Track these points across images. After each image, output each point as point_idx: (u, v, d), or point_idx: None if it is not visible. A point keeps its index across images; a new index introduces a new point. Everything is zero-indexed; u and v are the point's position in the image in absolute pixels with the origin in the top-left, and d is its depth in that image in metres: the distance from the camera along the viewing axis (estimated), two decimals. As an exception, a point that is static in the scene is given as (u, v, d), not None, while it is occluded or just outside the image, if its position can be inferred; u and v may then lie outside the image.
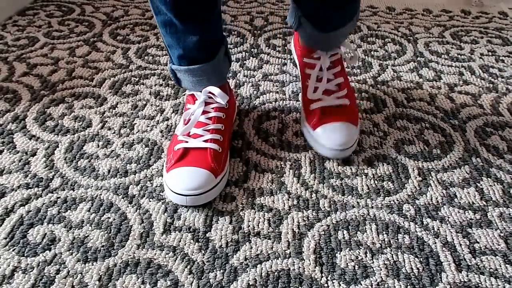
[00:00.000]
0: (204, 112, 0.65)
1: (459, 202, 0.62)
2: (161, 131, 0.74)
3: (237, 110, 0.80)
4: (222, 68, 0.67)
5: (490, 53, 1.03)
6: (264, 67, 0.94)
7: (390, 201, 0.62)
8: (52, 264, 0.51)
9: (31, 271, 0.51)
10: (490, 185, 0.66)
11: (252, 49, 1.02)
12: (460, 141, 0.74)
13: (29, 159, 0.67)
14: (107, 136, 0.72)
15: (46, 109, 0.78)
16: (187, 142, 0.63)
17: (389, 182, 0.65)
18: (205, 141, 0.63)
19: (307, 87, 0.71)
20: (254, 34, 1.09)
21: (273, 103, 0.82)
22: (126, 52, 0.98)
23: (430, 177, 0.66)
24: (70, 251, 0.53)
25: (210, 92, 0.66)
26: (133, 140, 0.72)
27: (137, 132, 0.73)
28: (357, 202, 0.61)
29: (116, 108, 0.79)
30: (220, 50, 0.65)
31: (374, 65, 0.96)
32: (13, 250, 0.53)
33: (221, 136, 0.64)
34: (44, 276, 0.50)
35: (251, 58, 0.98)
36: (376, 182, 0.65)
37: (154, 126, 0.75)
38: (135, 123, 0.76)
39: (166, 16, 0.59)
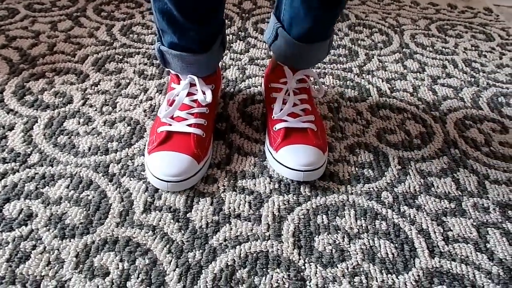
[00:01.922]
0: (188, 94, 0.65)
1: (436, 192, 0.64)
2: (144, 111, 0.73)
3: (222, 93, 0.79)
4: (215, 58, 0.66)
5: (473, 48, 1.05)
6: (251, 51, 0.94)
7: (369, 188, 0.63)
8: (28, 240, 0.51)
9: (6, 246, 0.50)
10: (466, 176, 0.67)
11: (240, 32, 1.01)
12: (440, 133, 0.76)
13: (6, 134, 0.65)
14: (88, 113, 0.71)
15: (25, 83, 0.76)
16: (170, 125, 0.62)
17: (369, 170, 0.66)
18: (189, 125, 0.62)
19: (272, 109, 0.67)
20: (242, 17, 1.08)
21: (258, 87, 0.82)
22: (110, 29, 0.96)
23: (409, 166, 0.68)
24: (47, 227, 0.52)
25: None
26: (115, 118, 0.71)
27: (119, 111, 0.72)
28: (337, 188, 0.62)
29: (99, 86, 0.77)
30: (217, 40, 0.62)
31: (361, 54, 0.97)
32: (-12, 225, 0.52)
33: (205, 121, 0.64)
34: (20, 251, 0.49)
35: (238, 41, 0.97)
36: (357, 169, 0.66)
37: (137, 105, 0.74)
38: (118, 102, 0.74)
39: (165, 5, 0.56)
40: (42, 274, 0.47)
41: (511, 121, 0.81)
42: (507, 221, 0.60)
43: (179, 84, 0.66)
